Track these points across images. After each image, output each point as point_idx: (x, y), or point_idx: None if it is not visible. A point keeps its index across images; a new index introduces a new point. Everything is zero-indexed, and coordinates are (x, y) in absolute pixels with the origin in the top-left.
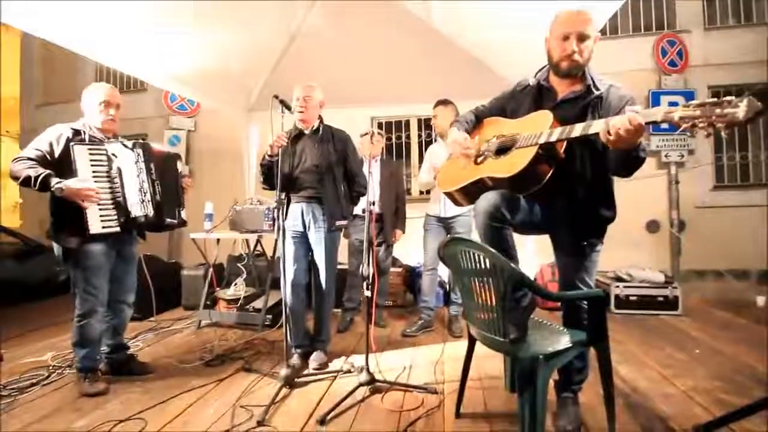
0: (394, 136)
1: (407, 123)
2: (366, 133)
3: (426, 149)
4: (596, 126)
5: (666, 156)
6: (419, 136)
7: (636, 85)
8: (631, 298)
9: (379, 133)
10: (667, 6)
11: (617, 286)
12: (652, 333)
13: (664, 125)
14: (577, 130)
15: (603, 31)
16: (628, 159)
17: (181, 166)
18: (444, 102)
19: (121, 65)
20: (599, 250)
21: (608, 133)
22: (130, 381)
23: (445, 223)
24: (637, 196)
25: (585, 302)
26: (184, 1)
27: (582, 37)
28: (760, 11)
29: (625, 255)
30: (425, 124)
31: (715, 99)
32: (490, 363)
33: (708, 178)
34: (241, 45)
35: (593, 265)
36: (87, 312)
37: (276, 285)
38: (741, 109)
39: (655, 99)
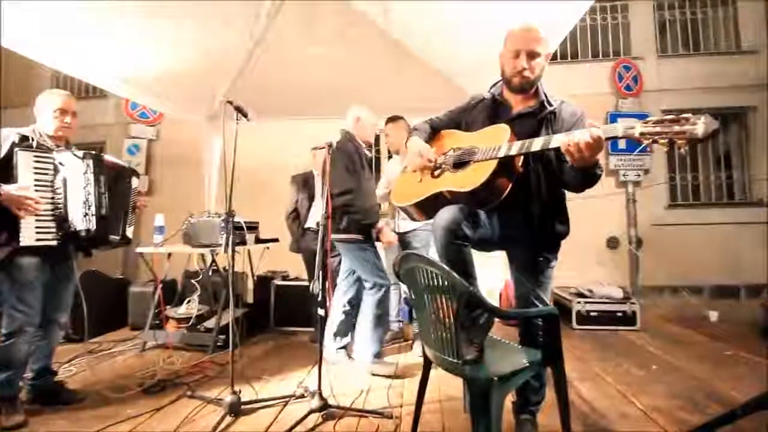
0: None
1: (377, 138)
2: (317, 147)
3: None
4: (557, 140)
5: (624, 175)
6: (389, 151)
7: (595, 108)
8: (592, 313)
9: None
10: (623, 34)
11: (578, 302)
12: (611, 349)
13: (622, 145)
14: (537, 144)
15: (564, 56)
16: (586, 175)
17: (136, 182)
18: (394, 119)
19: (73, 70)
20: (554, 266)
21: (569, 146)
22: (55, 411)
23: (402, 238)
24: (597, 213)
25: (540, 320)
26: (142, 1)
27: (532, 55)
28: (708, 42)
29: (587, 271)
30: None
31: (673, 116)
32: (451, 383)
33: (663, 197)
34: (202, 51)
35: (548, 281)
36: (14, 331)
37: (235, 302)
38: (699, 126)
39: (612, 121)
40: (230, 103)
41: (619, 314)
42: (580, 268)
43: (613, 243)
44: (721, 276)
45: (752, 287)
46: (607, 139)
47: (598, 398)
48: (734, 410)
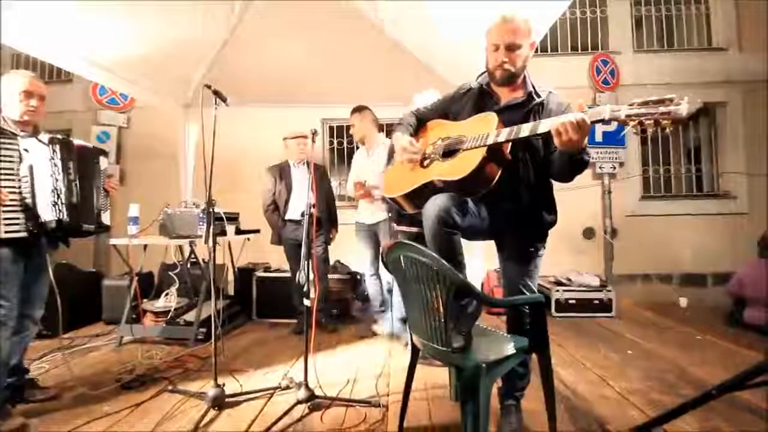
0: (345, 140)
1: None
2: (297, 136)
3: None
4: (545, 125)
5: (600, 168)
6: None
7: (573, 101)
8: (570, 301)
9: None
10: (601, 28)
11: (557, 290)
12: (589, 335)
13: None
14: (525, 129)
15: (543, 49)
16: (574, 162)
17: (105, 163)
18: (359, 109)
19: (37, 51)
20: (542, 255)
21: (558, 127)
22: (27, 410)
23: (371, 229)
24: (575, 204)
25: (527, 308)
26: None
27: (511, 47)
28: (681, 38)
29: (566, 260)
30: (383, 128)
31: (657, 97)
32: (437, 372)
33: (637, 189)
34: (177, 34)
35: (536, 269)
36: None
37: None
38: (683, 106)
39: None
40: (208, 87)
41: (596, 302)
42: (559, 257)
43: (589, 233)
44: (689, 264)
45: (719, 275)
46: (594, 122)
47: (578, 382)
48: (708, 392)
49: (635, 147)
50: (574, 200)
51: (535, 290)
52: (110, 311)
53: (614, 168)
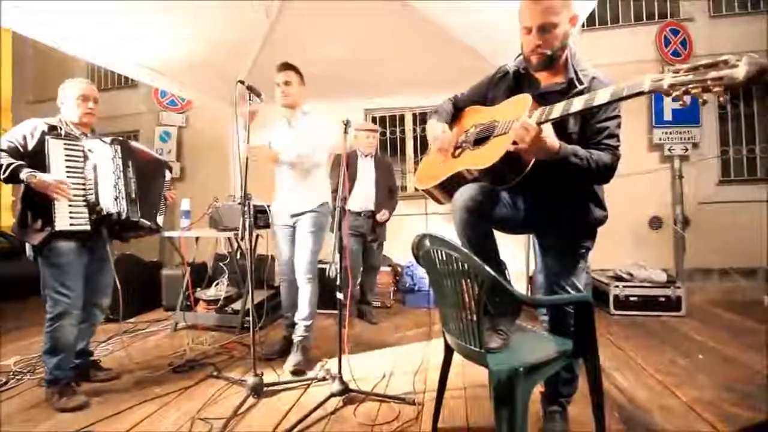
0: (388, 131)
1: (401, 117)
2: (367, 129)
3: (420, 144)
4: (577, 103)
5: (669, 150)
6: (414, 130)
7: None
8: (631, 298)
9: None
10: None
11: (616, 286)
12: (652, 336)
13: (667, 116)
14: (558, 110)
15: (603, 21)
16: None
17: (168, 175)
18: (292, 67)
19: (100, 59)
20: (588, 251)
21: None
22: (89, 389)
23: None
24: (639, 191)
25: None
26: None
27: (544, 28)
28: None
29: (627, 252)
30: (420, 118)
31: (709, 60)
32: (478, 370)
33: (713, 172)
34: (220, 36)
35: (582, 267)
36: (59, 314)
37: (260, 285)
38: (741, 68)
39: (657, 96)
40: (242, 82)
41: (662, 299)
42: (619, 249)
43: (656, 224)
44: None
45: None
46: (631, 96)
47: (636, 389)
48: None
49: (712, 125)
50: (639, 187)
51: (581, 288)
52: (168, 298)
53: (686, 149)
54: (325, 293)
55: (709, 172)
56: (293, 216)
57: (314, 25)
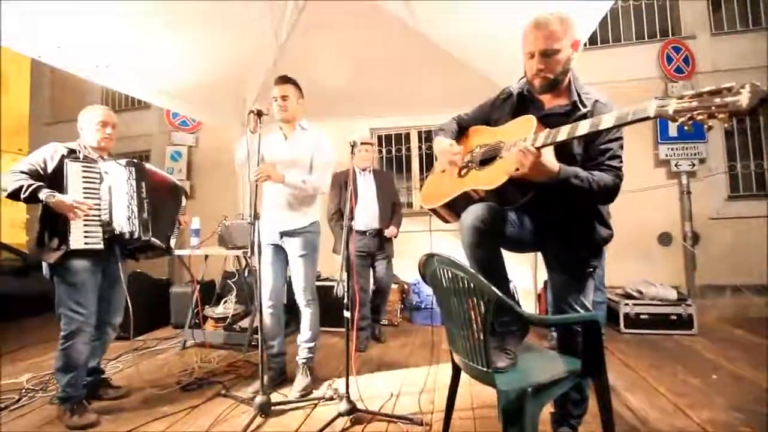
0: (394, 149)
1: (407, 135)
2: (363, 142)
3: (425, 162)
4: (583, 126)
5: (676, 165)
6: (419, 148)
7: (642, 94)
8: (642, 316)
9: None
10: (670, 12)
11: (626, 304)
12: (664, 355)
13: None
14: (563, 132)
15: (605, 40)
16: (565, 188)
17: (184, 201)
18: (290, 80)
19: (113, 83)
20: (595, 270)
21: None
22: (99, 407)
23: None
24: (647, 207)
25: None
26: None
27: (547, 53)
28: None
29: (636, 269)
30: (425, 136)
31: (713, 88)
32: (486, 391)
33: (722, 187)
34: (230, 59)
35: (589, 285)
36: (72, 332)
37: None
38: (744, 95)
39: None
40: (252, 112)
41: (673, 317)
42: (628, 266)
43: (665, 240)
44: None
45: None
46: (636, 121)
47: (648, 410)
48: None
49: (719, 140)
50: (647, 203)
51: (590, 307)
52: (178, 316)
53: (693, 165)
54: (333, 311)
55: (717, 187)
56: (282, 234)
57: (322, 47)
